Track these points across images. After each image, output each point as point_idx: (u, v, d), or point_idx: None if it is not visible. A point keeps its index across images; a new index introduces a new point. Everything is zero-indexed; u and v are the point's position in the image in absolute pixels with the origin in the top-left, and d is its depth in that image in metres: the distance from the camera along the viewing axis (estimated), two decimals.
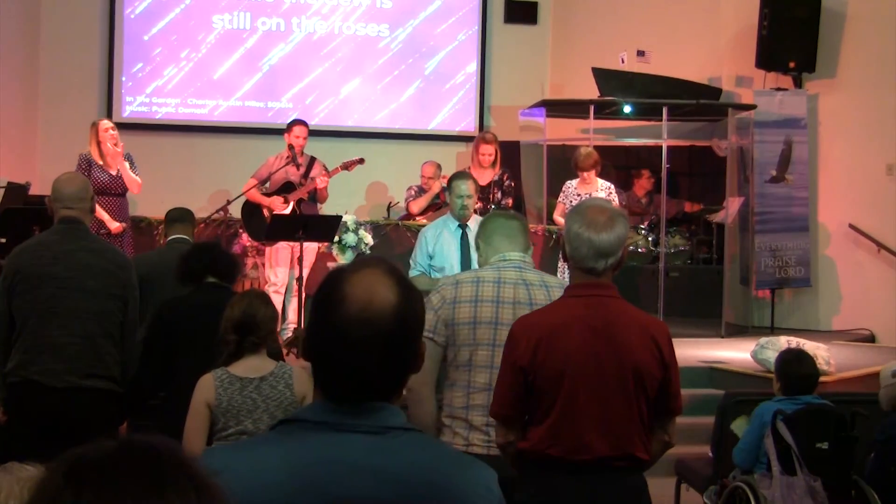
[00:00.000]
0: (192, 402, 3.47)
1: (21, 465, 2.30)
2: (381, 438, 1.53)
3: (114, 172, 7.08)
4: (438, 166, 9.23)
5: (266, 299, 3.73)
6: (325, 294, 1.58)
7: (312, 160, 7.92)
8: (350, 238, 8.10)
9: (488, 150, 7.62)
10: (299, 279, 7.28)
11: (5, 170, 9.08)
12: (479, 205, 7.53)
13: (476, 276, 3.39)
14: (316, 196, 7.88)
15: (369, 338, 1.53)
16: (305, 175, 7.83)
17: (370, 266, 1.60)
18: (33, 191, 8.11)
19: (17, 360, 4.02)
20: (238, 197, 7.79)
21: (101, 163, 7.05)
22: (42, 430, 3.93)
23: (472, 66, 11.28)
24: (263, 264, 7.92)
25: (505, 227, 3.48)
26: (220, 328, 3.65)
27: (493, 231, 3.48)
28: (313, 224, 7.28)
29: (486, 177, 7.66)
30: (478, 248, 3.60)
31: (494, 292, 3.32)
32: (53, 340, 4.01)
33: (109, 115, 10.38)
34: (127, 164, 7.14)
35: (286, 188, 7.79)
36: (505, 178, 7.78)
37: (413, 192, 9.24)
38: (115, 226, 7.04)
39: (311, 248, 7.67)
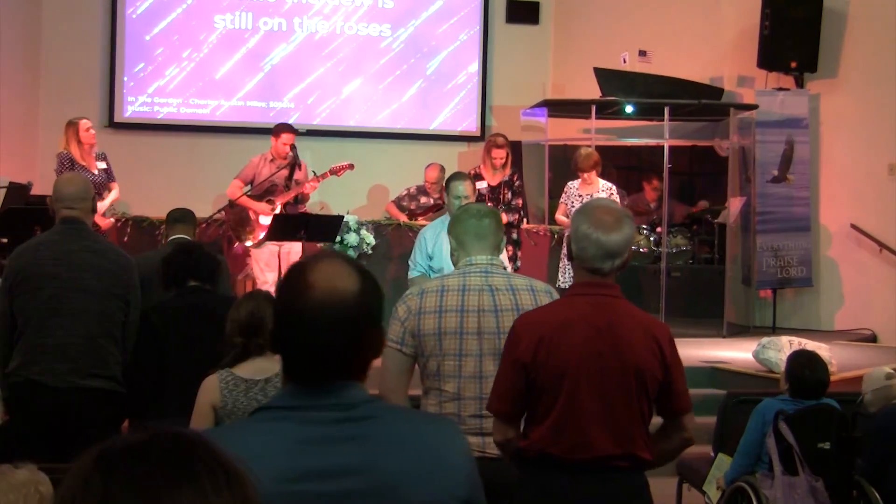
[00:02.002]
0: (197, 403, 3.46)
1: (13, 468, 2.29)
2: (347, 412, 1.62)
3: (95, 172, 7.13)
4: (442, 168, 9.23)
5: (273, 300, 3.69)
6: (289, 285, 1.68)
7: (298, 162, 7.89)
8: (352, 238, 8.10)
9: (500, 154, 7.65)
10: None
11: (7, 170, 9.08)
12: (489, 205, 7.52)
13: (441, 285, 3.34)
14: (299, 198, 7.84)
15: (333, 322, 1.62)
16: (289, 177, 7.78)
17: (329, 257, 1.72)
18: (35, 191, 8.11)
19: (19, 360, 4.02)
20: (239, 198, 7.78)
21: (82, 162, 7.08)
22: (44, 430, 3.94)
23: (474, 66, 11.28)
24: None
25: (476, 227, 3.41)
26: (207, 330, 3.65)
27: (465, 231, 3.42)
28: (315, 224, 7.27)
29: (496, 178, 7.67)
30: (450, 244, 3.56)
31: (458, 301, 3.28)
32: (55, 341, 4.01)
33: (111, 115, 10.42)
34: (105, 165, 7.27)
35: (270, 191, 7.73)
36: (514, 178, 7.83)
37: (411, 191, 9.24)
38: (105, 222, 7.12)
39: (296, 253, 7.60)
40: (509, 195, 7.74)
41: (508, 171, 7.78)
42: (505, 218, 7.62)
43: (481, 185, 7.47)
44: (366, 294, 1.66)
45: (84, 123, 7.22)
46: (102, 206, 7.15)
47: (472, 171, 7.52)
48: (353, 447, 1.59)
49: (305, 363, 1.65)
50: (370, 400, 1.66)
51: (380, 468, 1.59)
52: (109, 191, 7.32)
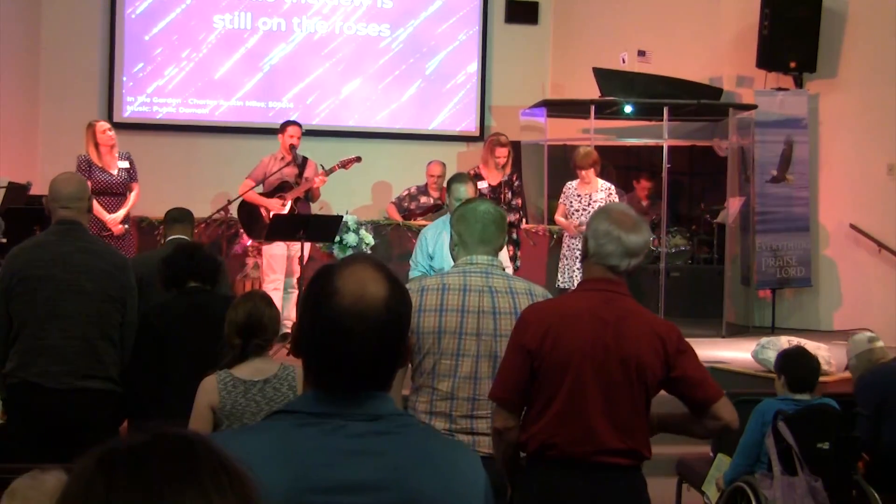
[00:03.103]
0: (195, 404, 3.45)
1: (43, 474, 2.28)
2: (374, 424, 1.58)
3: (114, 172, 7.14)
4: (444, 165, 9.24)
5: (269, 301, 3.68)
6: (317, 289, 1.62)
7: (305, 160, 7.93)
8: (351, 238, 8.10)
9: (503, 153, 7.66)
10: (300, 279, 7.29)
11: (6, 170, 9.08)
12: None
13: (442, 283, 3.33)
14: (310, 196, 7.89)
15: (362, 329, 1.57)
16: (299, 175, 7.83)
17: (359, 262, 1.66)
18: (34, 191, 8.11)
19: (16, 361, 4.02)
20: (238, 198, 7.80)
21: (100, 164, 7.10)
22: (42, 431, 3.93)
23: (473, 66, 11.28)
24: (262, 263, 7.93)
25: (482, 232, 3.41)
26: (207, 330, 3.63)
27: (470, 234, 3.41)
28: (314, 224, 7.29)
29: (496, 177, 7.66)
30: (451, 237, 3.54)
31: (460, 301, 3.28)
32: (51, 343, 4.00)
33: (110, 115, 10.40)
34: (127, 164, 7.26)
35: (281, 188, 7.79)
36: (514, 178, 7.84)
37: (411, 191, 9.23)
38: (118, 227, 7.12)
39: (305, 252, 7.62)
40: (510, 195, 7.74)
41: (509, 170, 7.79)
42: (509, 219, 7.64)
43: (482, 184, 7.47)
44: (395, 301, 1.61)
45: (101, 125, 7.24)
46: (117, 216, 7.15)
47: (472, 171, 7.52)
48: (381, 462, 1.55)
49: (330, 371, 1.60)
50: (397, 413, 1.63)
51: (406, 485, 1.55)
52: (130, 191, 7.31)
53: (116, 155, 7.24)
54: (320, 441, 1.55)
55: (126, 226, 7.29)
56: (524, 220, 8.64)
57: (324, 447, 1.55)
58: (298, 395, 1.67)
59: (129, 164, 7.30)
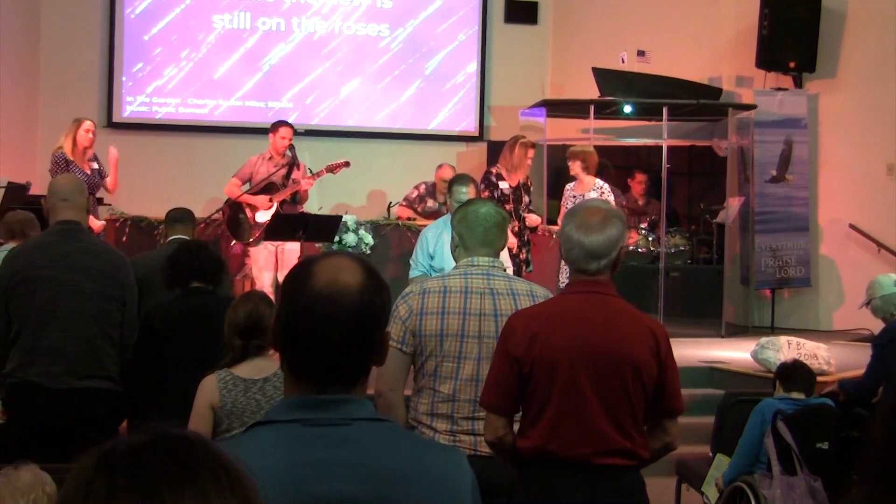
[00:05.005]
0: (196, 403, 3.45)
1: (16, 470, 2.27)
2: (350, 430, 1.57)
3: (89, 172, 7.17)
4: (455, 170, 9.21)
5: (270, 301, 3.67)
6: (293, 278, 1.65)
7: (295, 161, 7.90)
8: (350, 238, 8.10)
9: (533, 154, 7.62)
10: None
11: (5, 170, 9.08)
12: (510, 206, 7.45)
13: (443, 286, 3.33)
14: (297, 198, 7.83)
15: (335, 313, 1.58)
16: (287, 176, 7.78)
17: (336, 253, 1.71)
18: (33, 191, 8.12)
19: (17, 361, 4.02)
20: (238, 197, 7.78)
21: (76, 162, 7.13)
22: (42, 431, 3.94)
23: (473, 66, 11.28)
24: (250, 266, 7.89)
25: (483, 235, 3.41)
26: (208, 332, 3.63)
27: (472, 236, 3.41)
28: (314, 224, 7.27)
29: (515, 179, 7.59)
30: (453, 238, 3.54)
31: (461, 304, 3.28)
32: (51, 343, 4.00)
33: (110, 115, 10.42)
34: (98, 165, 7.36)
35: (267, 189, 7.74)
36: (528, 181, 7.83)
37: (420, 191, 9.20)
38: (97, 224, 7.17)
39: (294, 252, 7.59)
40: (527, 198, 7.72)
41: None
42: (536, 220, 7.69)
43: (503, 185, 7.45)
44: (370, 290, 1.61)
45: (87, 125, 7.27)
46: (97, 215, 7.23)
47: (495, 171, 7.50)
48: (360, 473, 1.54)
49: (305, 360, 1.60)
50: (374, 418, 1.61)
51: (388, 495, 1.54)
52: (103, 188, 7.37)
53: (87, 156, 7.30)
54: (294, 453, 1.55)
55: (103, 222, 7.41)
56: None
57: (298, 459, 1.54)
58: (274, 405, 1.66)
59: (98, 163, 7.35)
